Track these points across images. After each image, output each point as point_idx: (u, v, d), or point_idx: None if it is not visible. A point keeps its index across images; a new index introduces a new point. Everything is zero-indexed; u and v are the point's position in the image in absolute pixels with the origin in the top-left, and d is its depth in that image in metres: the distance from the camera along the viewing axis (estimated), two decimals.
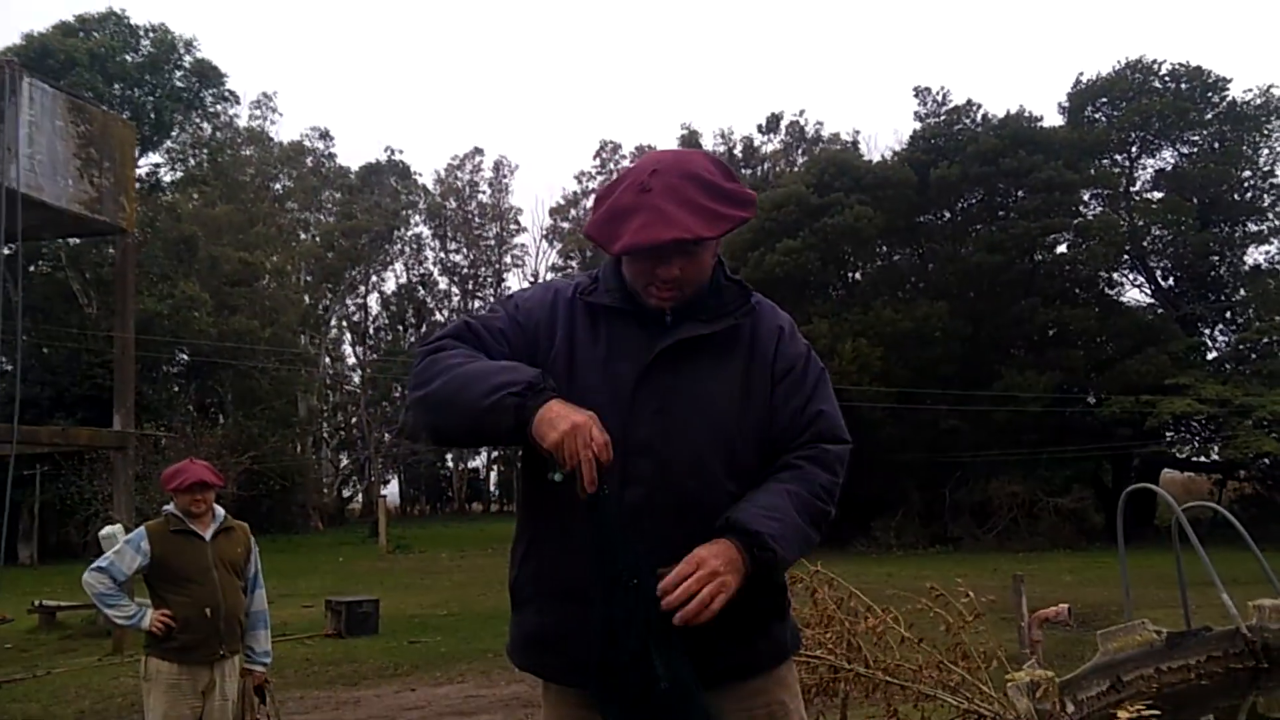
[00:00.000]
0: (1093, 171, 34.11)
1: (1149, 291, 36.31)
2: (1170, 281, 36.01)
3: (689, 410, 2.01)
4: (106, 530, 14.85)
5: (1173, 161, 35.16)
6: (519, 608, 2.15)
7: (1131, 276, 36.53)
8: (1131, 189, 36.10)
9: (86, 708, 10.50)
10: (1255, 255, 34.57)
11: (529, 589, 2.11)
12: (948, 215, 35.72)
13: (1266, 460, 30.16)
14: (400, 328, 59.46)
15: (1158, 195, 35.33)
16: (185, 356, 39.27)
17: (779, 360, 2.12)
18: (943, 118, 36.10)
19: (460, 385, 1.93)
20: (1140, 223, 34.44)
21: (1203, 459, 33.99)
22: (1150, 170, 36.06)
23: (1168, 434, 31.70)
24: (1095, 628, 5.35)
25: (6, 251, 17.08)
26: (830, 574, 4.10)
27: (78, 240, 32.83)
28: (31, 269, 34.27)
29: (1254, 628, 5.64)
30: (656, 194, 1.94)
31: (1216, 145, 34.15)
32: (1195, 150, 34.65)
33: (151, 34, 37.27)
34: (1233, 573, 6.00)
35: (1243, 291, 34.00)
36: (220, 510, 5.32)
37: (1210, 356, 33.73)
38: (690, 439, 2.00)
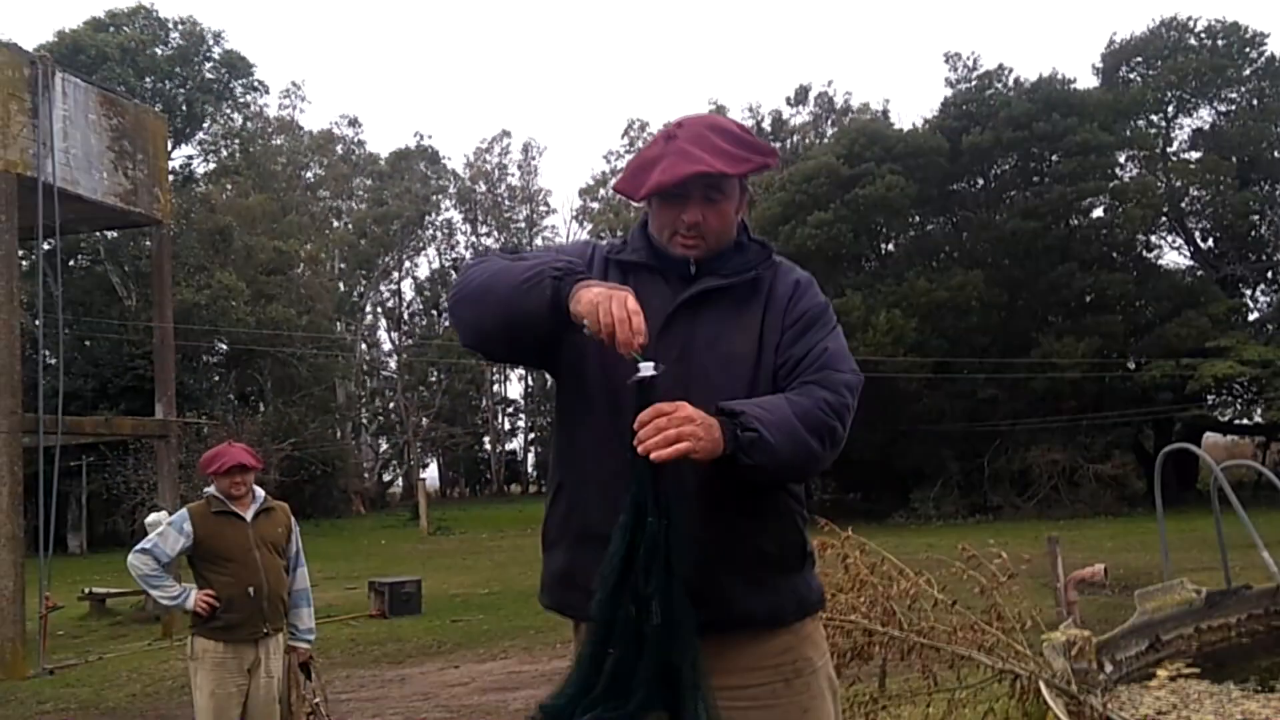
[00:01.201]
0: (1128, 133, 33.54)
1: (1188, 254, 35.78)
2: (1209, 243, 35.45)
3: (709, 358, 2.06)
4: (152, 518, 15.11)
5: (1210, 120, 34.56)
6: (548, 550, 2.21)
7: (1170, 239, 36.00)
8: (1168, 150, 35.51)
9: (138, 691, 10.72)
10: None
11: (556, 531, 2.17)
12: (981, 183, 35.31)
13: None
14: (434, 312, 59.71)
15: (1195, 155, 34.71)
16: (224, 346, 39.71)
17: (793, 308, 2.15)
18: (974, 83, 35.59)
19: (497, 271, 2.00)
20: (1178, 184, 33.89)
21: (1245, 422, 33.51)
22: (1187, 130, 35.47)
23: (1209, 397, 31.25)
24: (1133, 589, 5.33)
25: (46, 247, 17.32)
26: (861, 539, 4.11)
27: (115, 234, 33.27)
28: (71, 264, 34.81)
29: None
30: (681, 140, 2.04)
31: (1255, 102, 33.49)
32: (1233, 108, 34.01)
33: (180, 27, 37.63)
34: (1276, 534, 5.97)
35: None
36: (260, 491, 5.41)
37: (1251, 318, 33.22)
38: (710, 386, 2.03)
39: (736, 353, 2.08)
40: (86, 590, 17.33)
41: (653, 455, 1.79)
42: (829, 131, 46.16)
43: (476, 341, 2.17)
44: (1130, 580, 11.92)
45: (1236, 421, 33.86)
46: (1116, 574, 10.71)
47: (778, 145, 43.64)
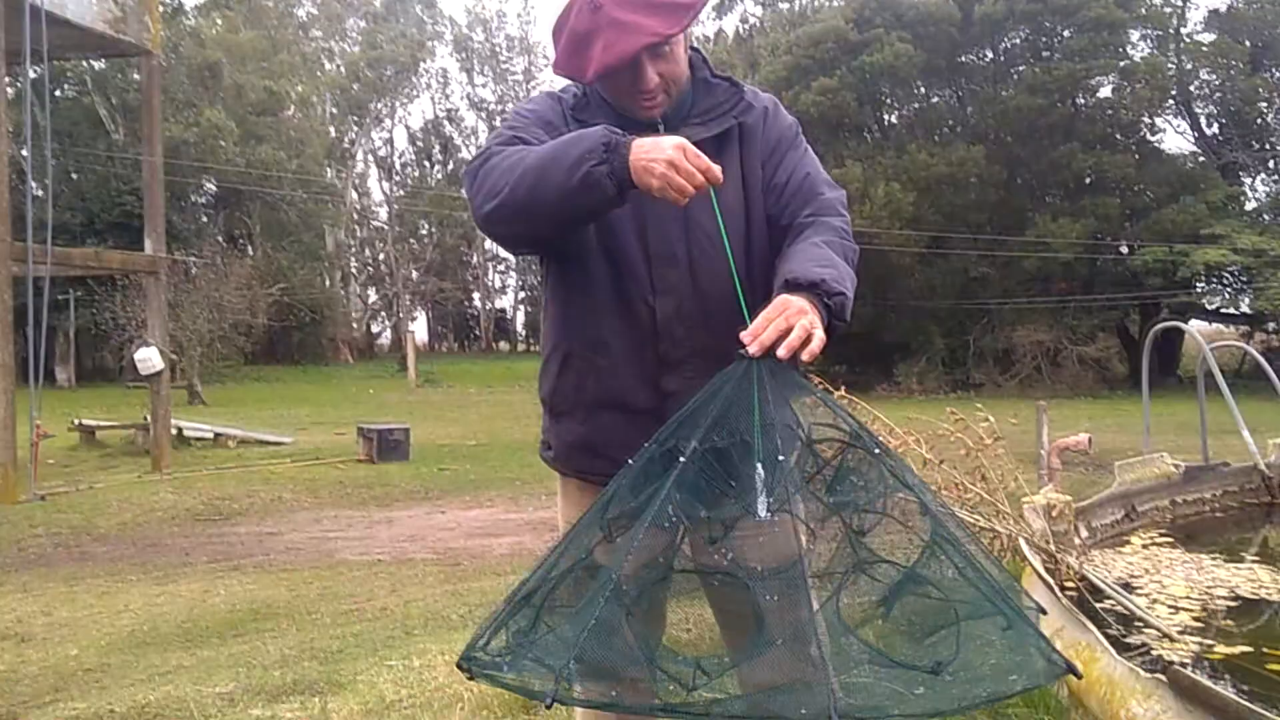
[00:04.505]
0: (1143, 10, 32.72)
1: (1191, 139, 35.35)
2: (1214, 128, 34.97)
3: (703, 215, 1.98)
4: (142, 353, 15.25)
5: (1226, 1, 33.69)
6: (559, 418, 2.16)
7: (1175, 122, 35.51)
8: (1182, 29, 34.71)
9: (128, 520, 10.94)
10: None
11: (568, 401, 2.12)
12: (990, 55, 34.57)
13: None
14: (426, 163, 58.92)
15: (1209, 38, 33.92)
16: (212, 186, 39.25)
17: (767, 138, 2.09)
18: None
19: (535, 180, 1.85)
20: (1188, 66, 33.23)
21: (1231, 310, 33.69)
22: (1203, 10, 34.76)
23: (1198, 285, 31.31)
24: (1112, 469, 5.43)
25: (33, 74, 16.88)
26: (854, 397, 4.15)
27: (102, 64, 32.42)
28: (57, 93, 34.03)
29: (1273, 465, 5.73)
30: (609, 7, 1.88)
31: None
32: None
33: None
34: (1254, 421, 6.05)
35: None
36: None
37: (1249, 207, 33.03)
38: (711, 244, 1.98)
39: (730, 203, 2.01)
40: (76, 421, 17.52)
41: (784, 352, 1.67)
42: None
43: (525, 249, 2.13)
44: (1107, 460, 12.15)
45: (1223, 309, 34.03)
46: (1094, 452, 10.91)
47: (785, 6, 42.38)
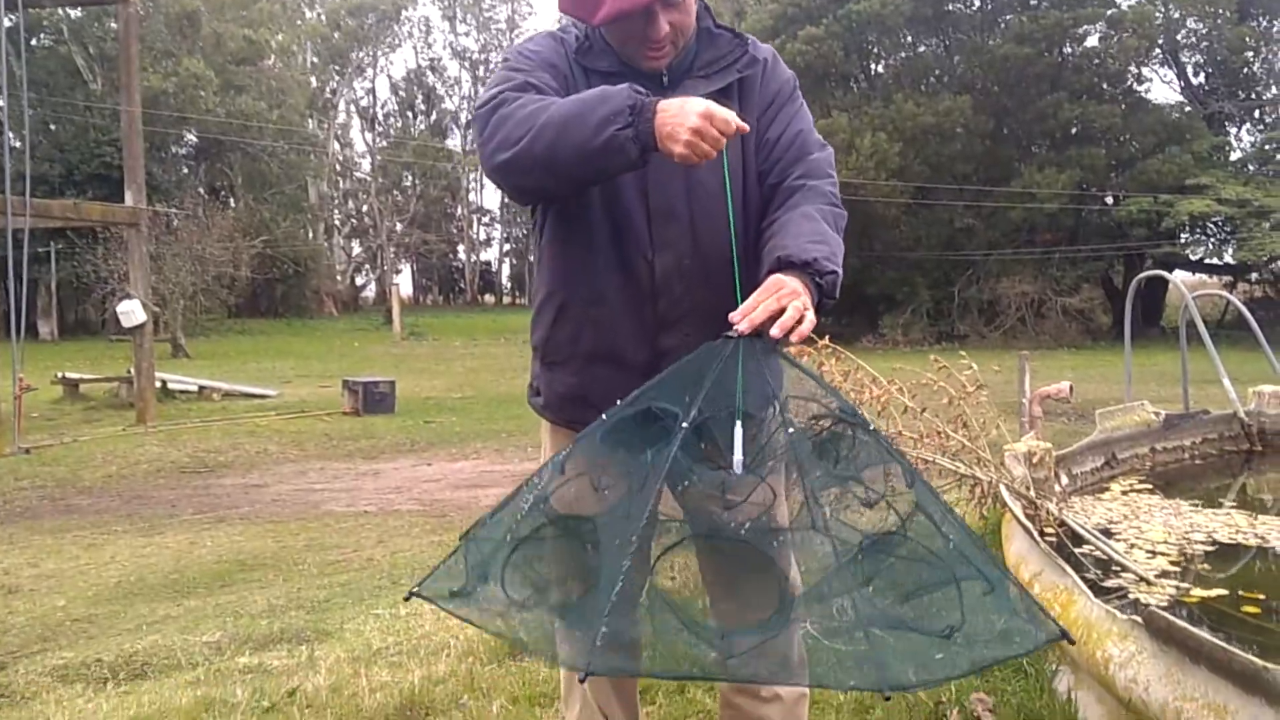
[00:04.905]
0: None
1: (1178, 88, 35.31)
2: (1201, 78, 34.91)
3: (705, 173, 1.95)
4: (124, 306, 15.15)
5: None
6: (551, 367, 2.15)
7: (1162, 72, 35.48)
8: None
9: (114, 472, 10.92)
10: None
11: (562, 351, 2.10)
12: (977, 4, 34.33)
13: None
14: (409, 114, 58.34)
15: None
16: (193, 138, 38.81)
17: (765, 91, 2.06)
18: None
19: (554, 137, 1.79)
20: (1176, 14, 33.06)
21: (1215, 261, 33.84)
22: None
23: (1183, 235, 31.44)
24: (1094, 420, 5.47)
25: (8, 23, 16.58)
26: (836, 346, 4.16)
27: (78, 12, 31.88)
28: (34, 42, 33.48)
29: (1252, 412, 5.78)
30: None
31: None
32: None
33: None
34: (1235, 372, 6.10)
35: (1275, 89, 32.97)
36: None
37: (1234, 157, 33.07)
38: (715, 198, 1.96)
39: (730, 158, 1.95)
40: (59, 375, 17.44)
41: (777, 331, 1.69)
42: None
43: (532, 200, 2.09)
44: (1089, 411, 12.24)
45: (1207, 261, 34.18)
46: (1075, 402, 10.98)
47: None
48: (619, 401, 1.74)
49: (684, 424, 1.62)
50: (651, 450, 1.63)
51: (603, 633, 1.46)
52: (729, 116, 1.73)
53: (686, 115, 1.72)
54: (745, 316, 1.70)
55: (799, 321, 1.70)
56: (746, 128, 1.78)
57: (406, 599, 1.67)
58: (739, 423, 1.64)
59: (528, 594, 1.62)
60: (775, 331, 1.68)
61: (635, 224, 1.98)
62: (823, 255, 1.83)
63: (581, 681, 1.59)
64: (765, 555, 1.62)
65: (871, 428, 1.70)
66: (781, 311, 1.70)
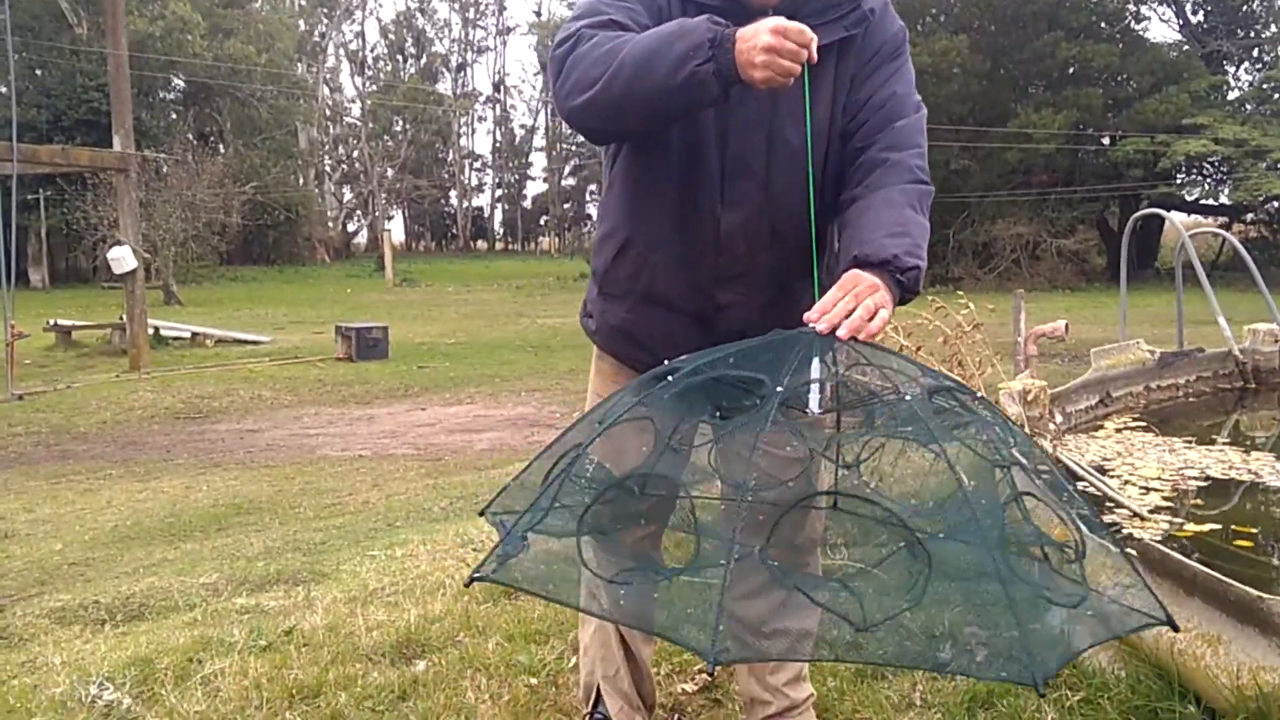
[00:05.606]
0: None
1: (1177, 27, 34.92)
2: (1200, 16, 34.53)
3: (790, 130, 1.89)
4: (115, 252, 15.05)
5: None
6: (607, 299, 2.14)
7: (1160, 10, 35.04)
8: None
9: (108, 419, 10.92)
10: None
11: (621, 286, 2.09)
12: None
13: (1276, 203, 29.90)
14: (400, 58, 57.64)
15: None
16: (180, 82, 38.35)
17: (866, 47, 1.98)
18: None
19: (632, 74, 1.71)
20: None
21: (1211, 202, 33.72)
22: None
23: (1179, 176, 31.29)
24: (1088, 361, 5.46)
25: None
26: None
27: None
28: None
29: (1246, 350, 5.78)
30: None
31: None
32: None
33: None
34: (1230, 311, 6.09)
35: (1274, 28, 32.61)
36: None
37: (1232, 96, 32.81)
38: (794, 155, 1.90)
39: (818, 117, 1.89)
40: (52, 322, 17.37)
41: (845, 332, 1.62)
42: None
43: (612, 141, 2.03)
44: (1083, 352, 12.27)
45: (1202, 201, 34.05)
46: (1070, 343, 10.99)
47: None
48: (669, 342, 1.74)
49: (778, 388, 1.57)
50: (738, 415, 1.58)
51: (721, 620, 1.39)
52: (802, 27, 1.64)
53: (758, 35, 1.63)
54: (823, 314, 1.64)
55: (870, 318, 1.65)
56: (816, 39, 1.67)
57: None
58: (816, 359, 1.60)
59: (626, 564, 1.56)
60: (843, 333, 1.62)
61: (708, 175, 1.92)
62: (902, 250, 1.76)
63: (710, 675, 1.55)
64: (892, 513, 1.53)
65: (980, 395, 1.67)
66: (855, 310, 1.65)
